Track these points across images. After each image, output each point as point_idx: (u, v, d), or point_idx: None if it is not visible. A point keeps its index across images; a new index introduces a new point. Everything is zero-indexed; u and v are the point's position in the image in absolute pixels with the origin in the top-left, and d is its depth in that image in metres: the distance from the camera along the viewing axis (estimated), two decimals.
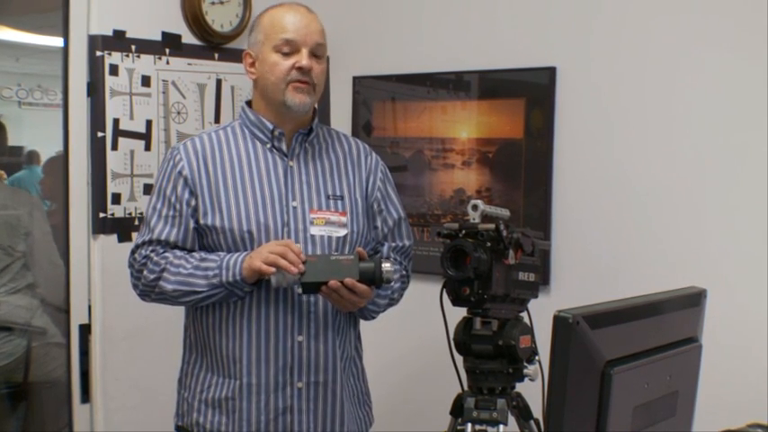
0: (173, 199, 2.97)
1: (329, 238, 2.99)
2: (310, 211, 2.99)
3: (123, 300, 3.20)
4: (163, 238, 2.96)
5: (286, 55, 2.95)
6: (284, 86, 2.95)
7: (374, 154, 3.21)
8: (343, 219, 3.02)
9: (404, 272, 3.18)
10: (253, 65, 3.03)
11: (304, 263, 2.79)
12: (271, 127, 3.01)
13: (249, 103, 3.10)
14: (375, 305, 3.06)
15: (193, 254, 2.94)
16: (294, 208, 2.97)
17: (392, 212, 3.16)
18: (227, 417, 2.97)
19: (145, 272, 2.96)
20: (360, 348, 3.20)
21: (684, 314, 2.35)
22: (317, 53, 2.98)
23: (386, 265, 2.81)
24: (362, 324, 3.21)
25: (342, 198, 3.05)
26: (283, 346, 2.95)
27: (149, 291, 2.98)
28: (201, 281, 2.88)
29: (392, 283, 3.00)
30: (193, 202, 2.95)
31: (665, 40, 3.62)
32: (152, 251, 2.96)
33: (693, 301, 2.39)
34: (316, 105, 3.09)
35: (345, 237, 3.01)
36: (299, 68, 2.94)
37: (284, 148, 3.02)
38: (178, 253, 2.94)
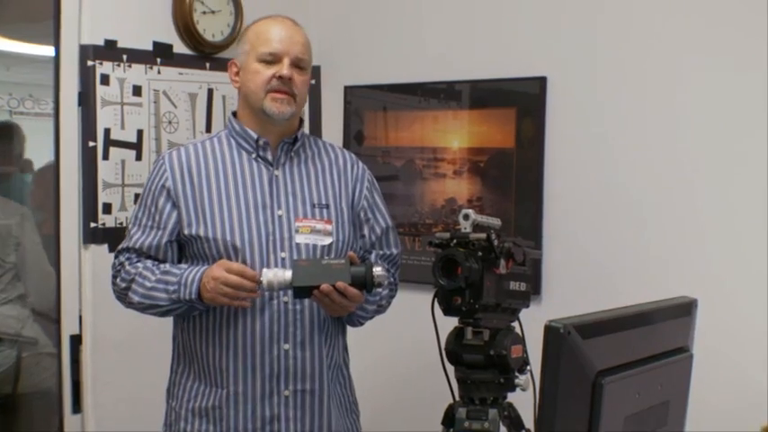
0: (152, 209, 3.00)
1: (314, 246, 3.01)
2: (296, 219, 3.01)
3: (114, 310, 3.19)
4: (138, 246, 3.01)
5: (268, 64, 2.98)
6: (263, 95, 2.98)
7: (360, 163, 3.23)
8: (329, 227, 3.04)
9: (391, 279, 3.20)
10: (237, 74, 3.07)
11: (296, 266, 2.81)
12: (255, 137, 3.04)
13: (236, 114, 3.13)
14: (363, 311, 3.09)
15: (160, 266, 2.97)
16: (279, 216, 2.99)
17: (379, 221, 3.19)
18: (215, 426, 2.98)
19: (118, 279, 3.03)
20: (347, 357, 3.22)
21: (675, 324, 2.35)
22: (300, 65, 3.01)
23: (377, 270, 2.83)
24: (352, 333, 3.22)
25: (327, 206, 3.07)
26: (269, 355, 2.96)
27: (122, 298, 3.04)
28: (162, 294, 2.92)
29: (381, 289, 3.03)
30: (174, 214, 2.98)
31: (656, 50, 3.63)
32: (127, 259, 3.02)
33: (684, 310, 2.39)
34: (302, 116, 3.12)
35: (331, 245, 3.03)
36: (280, 77, 2.96)
37: (269, 157, 3.04)
38: (149, 264, 2.98)
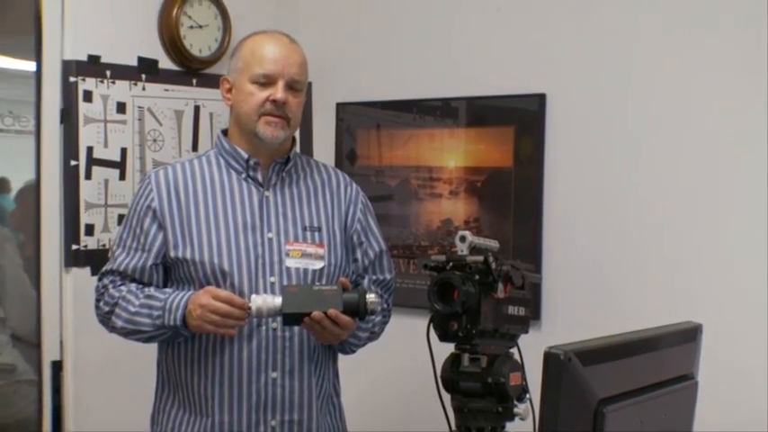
0: (137, 230, 3.00)
1: (305, 270, 3.01)
2: (286, 242, 3.01)
3: (96, 335, 3.18)
4: (122, 269, 3.00)
5: (262, 85, 2.97)
6: (257, 118, 2.97)
7: (354, 184, 3.23)
8: (321, 251, 3.04)
9: (385, 305, 3.20)
10: (230, 91, 3.06)
11: (286, 293, 2.80)
12: (246, 156, 3.03)
13: (226, 132, 3.12)
14: (356, 338, 3.08)
15: (144, 289, 2.97)
16: (269, 239, 2.99)
17: (373, 245, 3.19)
18: None
19: (101, 303, 3.03)
20: (338, 385, 3.21)
21: (680, 350, 2.36)
22: (295, 87, 3.00)
23: (370, 296, 2.83)
24: (343, 360, 3.22)
25: (319, 229, 3.07)
26: (257, 383, 2.96)
27: (105, 322, 3.04)
28: (146, 320, 2.92)
29: (375, 316, 3.03)
30: (160, 236, 2.98)
31: (660, 65, 3.63)
32: (111, 282, 3.02)
33: (689, 336, 2.40)
34: (295, 135, 3.12)
35: (322, 269, 3.03)
36: (273, 101, 2.96)
37: (259, 177, 3.04)
38: (133, 287, 2.98)
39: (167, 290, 2.96)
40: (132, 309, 2.93)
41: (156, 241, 2.98)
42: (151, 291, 2.96)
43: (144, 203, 3.00)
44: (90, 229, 3.75)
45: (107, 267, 3.06)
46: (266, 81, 2.97)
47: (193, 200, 3.00)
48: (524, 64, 3.95)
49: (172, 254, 2.95)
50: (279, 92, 2.96)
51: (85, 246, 3.74)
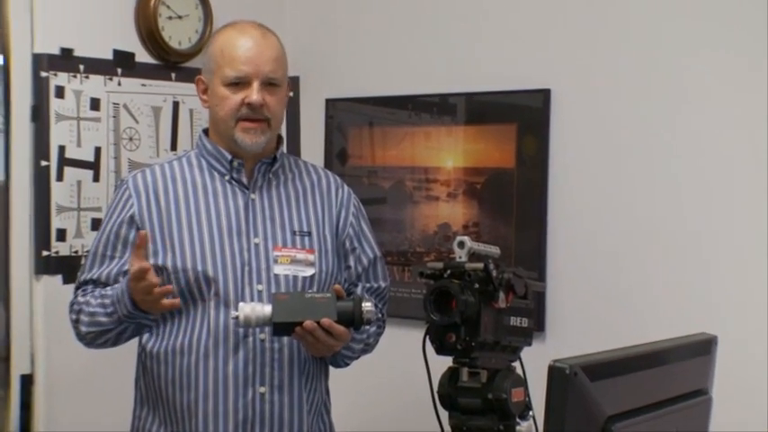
0: (113, 238, 3.02)
1: (295, 277, 3.02)
2: (274, 248, 3.02)
3: (69, 347, 3.19)
4: (94, 277, 3.03)
5: (236, 87, 2.97)
6: (233, 124, 2.98)
7: (346, 186, 3.24)
8: (311, 257, 3.06)
9: (379, 315, 3.21)
10: (205, 92, 3.07)
11: (276, 301, 2.80)
12: (229, 157, 3.04)
13: (208, 131, 3.13)
14: (350, 350, 3.09)
15: (101, 290, 2.98)
16: (256, 245, 3.01)
17: (366, 251, 3.20)
18: None
19: (72, 315, 3.04)
20: (328, 402, 3.21)
21: (693, 364, 2.36)
22: (273, 83, 3.00)
23: (366, 305, 2.83)
24: (334, 375, 3.22)
25: (309, 234, 3.08)
26: (243, 399, 2.96)
27: (79, 335, 3.05)
28: (104, 318, 2.94)
29: (369, 327, 3.03)
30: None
31: (669, 60, 3.64)
32: (82, 291, 3.04)
33: (703, 349, 2.40)
34: (279, 132, 3.12)
35: (313, 276, 3.04)
36: (249, 105, 2.96)
37: (244, 179, 3.05)
38: (97, 291, 2.99)
39: (116, 285, 2.96)
40: (91, 309, 2.96)
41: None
42: (107, 289, 2.97)
43: (123, 213, 3.02)
44: (62, 234, 3.76)
45: (79, 279, 3.07)
46: (239, 82, 2.97)
47: (174, 205, 3.01)
48: (528, 57, 3.95)
49: (152, 261, 2.94)
50: (254, 93, 2.96)
51: (57, 252, 3.75)
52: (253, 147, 2.99)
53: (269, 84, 2.99)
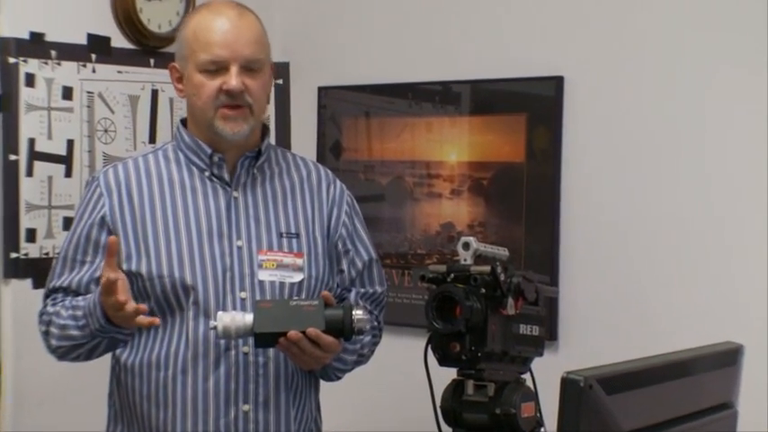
0: (83, 241, 3.00)
1: (281, 284, 3.00)
2: (259, 251, 3.00)
3: (39, 358, 3.16)
4: (65, 285, 3.00)
5: (212, 73, 2.94)
6: (213, 112, 2.94)
7: (338, 182, 3.22)
8: (299, 261, 3.03)
9: (375, 323, 3.18)
10: (180, 80, 3.04)
11: (258, 309, 2.78)
12: (209, 151, 3.01)
13: (186, 121, 3.10)
14: (341, 362, 3.06)
15: (72, 300, 2.95)
16: (239, 248, 2.99)
17: (361, 253, 3.17)
18: None
19: (42, 326, 3.02)
20: (319, 419, 3.20)
21: (718, 375, 2.37)
22: (252, 66, 2.96)
23: (357, 313, 2.79)
24: (325, 389, 3.21)
25: (297, 236, 3.06)
26: (225, 418, 2.94)
27: (50, 349, 3.02)
28: (76, 332, 2.90)
29: (363, 336, 3.01)
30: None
31: (692, 45, 3.64)
32: (52, 300, 3.02)
33: (728, 359, 2.42)
34: (266, 122, 3.10)
35: (301, 282, 3.02)
36: (227, 91, 2.92)
37: (226, 175, 3.03)
38: (67, 301, 2.96)
39: (88, 296, 2.93)
40: (62, 322, 2.93)
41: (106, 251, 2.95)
42: (78, 300, 2.94)
43: (94, 214, 2.99)
44: (31, 235, 3.78)
45: (49, 286, 3.05)
46: (216, 68, 2.94)
47: (149, 204, 2.99)
48: (539, 40, 3.96)
49: (125, 266, 2.93)
50: (232, 78, 2.92)
51: (26, 254, 3.77)
52: (234, 136, 2.96)
53: (248, 68, 2.95)
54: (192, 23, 3.02)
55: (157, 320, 2.84)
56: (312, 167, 3.20)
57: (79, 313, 2.89)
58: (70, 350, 2.96)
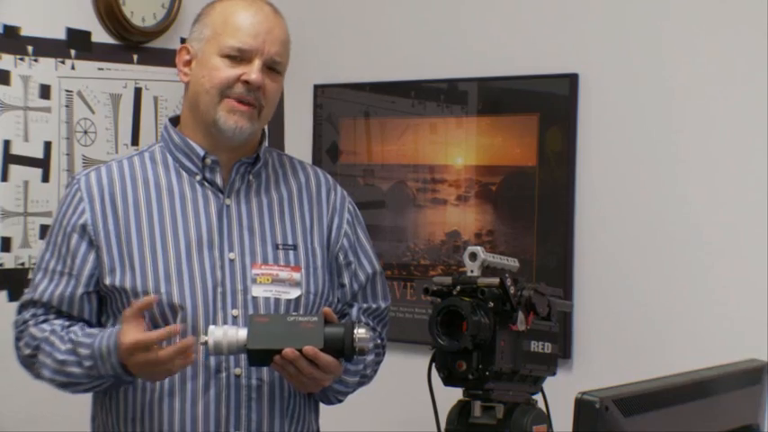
0: (63, 250, 2.97)
1: (277, 300, 2.97)
2: (253, 265, 2.98)
3: (17, 377, 3.16)
4: (45, 299, 2.97)
5: (234, 61, 2.92)
6: (218, 100, 2.91)
7: (339, 188, 3.20)
8: (296, 275, 3.01)
9: (378, 341, 3.17)
10: (188, 64, 3.02)
11: (252, 324, 2.75)
12: (201, 153, 2.99)
13: (175, 120, 3.08)
14: (342, 384, 3.04)
15: (69, 330, 2.92)
16: (231, 261, 2.96)
17: (364, 265, 3.15)
18: None
19: (21, 343, 3.00)
20: None
21: (741, 395, 2.39)
22: (275, 68, 2.96)
23: (359, 331, 2.77)
24: (324, 411, 3.20)
25: (294, 248, 3.04)
26: None
27: (28, 367, 3.00)
28: (77, 370, 2.87)
29: (366, 356, 2.97)
30: (92, 258, 2.95)
31: (715, 42, 3.66)
32: (32, 316, 2.99)
33: (752, 378, 2.43)
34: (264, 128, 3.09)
35: (299, 299, 2.99)
36: (246, 82, 2.91)
37: (219, 181, 3.00)
38: (57, 326, 2.93)
39: (93, 331, 2.91)
40: (59, 356, 2.89)
41: (87, 264, 2.94)
42: (77, 332, 2.90)
43: (72, 219, 2.97)
44: (6, 244, 3.80)
45: (27, 297, 3.02)
46: (240, 56, 2.92)
47: (134, 211, 2.97)
48: (551, 36, 3.98)
49: (107, 281, 2.93)
50: (254, 71, 2.91)
51: (1, 264, 3.79)
52: (236, 132, 2.93)
53: (271, 68, 2.96)
54: (222, 7, 3.00)
55: (192, 359, 2.79)
56: (311, 172, 3.18)
57: (84, 352, 2.84)
58: (66, 386, 2.93)
